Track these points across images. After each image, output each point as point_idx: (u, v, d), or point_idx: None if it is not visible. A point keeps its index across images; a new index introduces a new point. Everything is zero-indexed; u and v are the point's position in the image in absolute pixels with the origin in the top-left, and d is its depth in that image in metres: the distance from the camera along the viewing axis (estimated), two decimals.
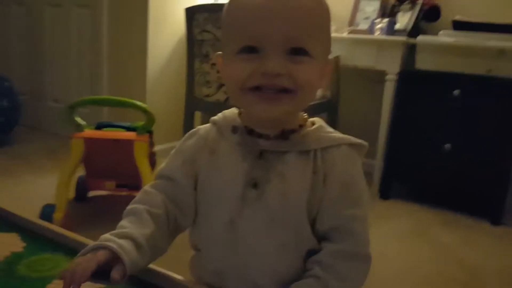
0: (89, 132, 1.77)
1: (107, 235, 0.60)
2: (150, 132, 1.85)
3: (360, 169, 0.66)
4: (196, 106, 2.36)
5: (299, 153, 0.64)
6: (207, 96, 2.25)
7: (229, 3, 0.64)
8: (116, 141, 1.75)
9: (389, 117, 2.44)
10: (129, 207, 0.67)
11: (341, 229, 0.63)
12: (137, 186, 2.03)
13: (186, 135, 0.72)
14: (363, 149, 0.67)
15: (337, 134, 0.67)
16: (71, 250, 0.74)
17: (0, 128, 2.75)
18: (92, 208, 2.01)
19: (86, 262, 0.55)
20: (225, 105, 2.19)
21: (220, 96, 2.20)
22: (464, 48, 2.20)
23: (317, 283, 0.60)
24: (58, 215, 1.64)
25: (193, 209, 0.68)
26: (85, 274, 0.53)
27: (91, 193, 2.09)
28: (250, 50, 0.59)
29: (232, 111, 0.70)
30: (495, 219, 2.16)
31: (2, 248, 0.74)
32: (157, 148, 2.07)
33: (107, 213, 1.95)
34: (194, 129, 0.72)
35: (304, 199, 0.62)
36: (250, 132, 0.66)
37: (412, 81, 2.37)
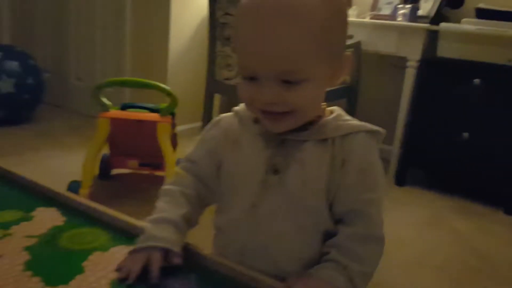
0: (115, 112, 1.82)
1: (150, 226, 0.67)
2: (172, 114, 1.90)
3: (377, 156, 0.69)
4: (216, 88, 2.39)
5: (318, 141, 0.68)
6: (228, 79, 2.28)
7: (235, 26, 0.67)
8: (140, 122, 1.81)
9: (409, 104, 2.45)
10: (164, 188, 0.74)
11: (357, 213, 0.67)
12: (158, 165, 2.09)
13: (209, 124, 0.77)
14: (380, 136, 0.70)
15: (355, 122, 0.70)
16: (108, 224, 0.79)
17: (25, 105, 2.83)
18: (115, 185, 2.08)
19: (154, 265, 0.62)
20: None
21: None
22: (486, 36, 2.20)
23: (336, 266, 0.64)
24: (83, 191, 1.71)
25: (217, 191, 0.74)
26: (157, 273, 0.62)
27: (114, 171, 2.16)
28: (251, 78, 0.64)
29: None
30: (509, 208, 2.18)
31: (44, 222, 0.79)
32: (177, 129, 2.12)
33: (129, 191, 2.02)
34: (216, 118, 0.77)
35: (323, 184, 0.66)
36: None
37: (433, 68, 2.37)
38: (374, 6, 2.72)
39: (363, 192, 0.67)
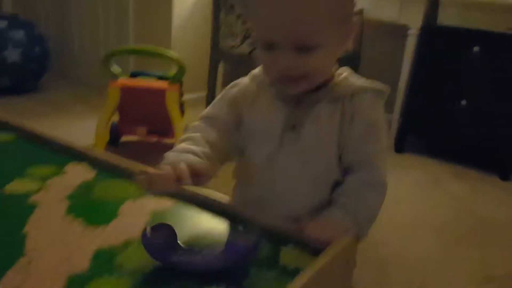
0: (125, 81, 1.88)
1: (172, 154, 0.70)
2: (180, 82, 1.95)
3: (382, 112, 0.77)
4: (220, 57, 2.44)
5: (331, 100, 0.75)
6: (232, 47, 2.32)
7: None
8: (150, 89, 1.86)
9: (409, 72, 2.50)
10: (185, 136, 0.77)
11: (363, 161, 0.75)
12: (166, 133, 2.16)
13: (229, 85, 0.83)
14: (385, 94, 0.77)
15: (363, 81, 0.77)
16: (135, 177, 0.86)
17: (32, 74, 2.87)
18: (125, 152, 2.15)
19: (182, 172, 0.63)
20: (248, 58, 2.27)
21: (245, 49, 2.27)
22: (486, 4, 2.24)
23: (343, 208, 0.72)
24: None
25: (237, 143, 0.79)
26: (187, 175, 0.63)
27: (123, 139, 2.22)
28: (268, 47, 0.70)
29: None
30: (505, 174, 2.27)
31: (77, 175, 0.86)
32: (183, 98, 2.17)
33: (138, 158, 2.08)
34: (235, 81, 0.83)
35: (334, 138, 0.74)
36: None
37: (434, 36, 2.41)
38: None
39: (368, 143, 0.75)
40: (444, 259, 1.51)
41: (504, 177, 2.26)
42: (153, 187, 0.63)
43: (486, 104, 2.27)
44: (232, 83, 0.84)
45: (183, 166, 0.64)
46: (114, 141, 2.17)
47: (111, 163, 0.90)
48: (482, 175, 2.29)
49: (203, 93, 2.71)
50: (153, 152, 2.23)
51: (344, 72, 0.78)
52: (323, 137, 0.74)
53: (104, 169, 0.89)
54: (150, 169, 0.66)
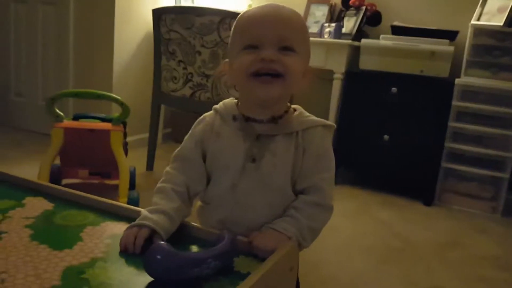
0: (69, 122, 1.91)
1: (146, 212, 0.81)
2: (124, 123, 2.02)
3: (330, 144, 0.90)
4: (162, 100, 2.53)
5: (286, 134, 0.87)
6: (174, 91, 2.43)
7: (237, 19, 0.88)
8: (94, 130, 1.90)
9: (337, 111, 2.72)
10: (158, 185, 0.88)
11: (314, 187, 0.87)
12: (108, 174, 2.18)
13: (195, 123, 0.94)
14: (332, 128, 0.91)
15: (314, 118, 0.90)
16: (92, 207, 0.93)
17: None
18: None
19: (138, 238, 0.76)
20: (191, 100, 2.38)
21: (186, 91, 2.39)
22: (401, 50, 2.52)
23: (290, 220, 0.83)
24: None
25: (205, 178, 0.90)
26: (139, 245, 0.76)
27: (64, 181, 2.22)
28: (252, 47, 0.83)
29: (231, 101, 0.93)
30: (427, 200, 2.50)
31: (36, 208, 0.91)
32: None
33: None
34: (201, 117, 0.94)
35: (289, 168, 0.86)
36: (247, 119, 0.88)
37: (356, 79, 2.67)
38: None
39: (319, 172, 0.87)
40: (375, 277, 1.66)
41: (427, 203, 2.49)
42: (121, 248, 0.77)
43: (406, 138, 2.52)
44: (197, 120, 0.94)
45: (142, 234, 0.77)
46: (55, 184, 2.16)
47: (67, 197, 0.96)
48: (408, 201, 2.51)
49: (145, 135, 2.77)
50: (96, 193, 2.25)
51: (297, 110, 0.91)
52: (280, 167, 0.85)
53: (61, 202, 0.95)
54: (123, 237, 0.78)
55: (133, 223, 0.80)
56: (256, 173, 0.86)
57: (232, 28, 0.89)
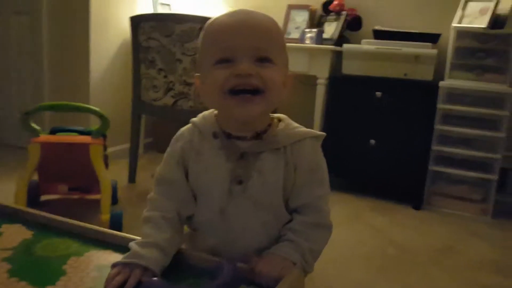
0: (46, 137, 1.82)
1: (136, 247, 0.72)
2: (104, 136, 1.93)
3: (322, 156, 0.83)
4: (143, 109, 2.45)
5: (273, 150, 0.78)
6: (155, 100, 2.35)
7: (205, 28, 0.79)
8: (73, 144, 1.82)
9: (322, 116, 2.69)
10: (146, 214, 0.79)
11: (309, 205, 0.80)
12: (88, 189, 2.09)
13: (173, 139, 0.85)
14: (322, 138, 0.83)
15: (302, 129, 0.82)
16: (74, 234, 0.86)
17: None
18: (45, 211, 2.04)
19: (130, 280, 0.68)
20: (172, 109, 2.31)
21: (168, 100, 2.31)
22: (383, 54, 2.50)
23: (291, 244, 0.77)
24: None
25: (193, 198, 0.82)
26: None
27: (43, 198, 2.12)
28: (225, 61, 0.74)
29: (210, 115, 0.84)
30: (416, 204, 2.47)
31: (14, 236, 0.84)
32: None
33: (61, 216, 2.00)
34: (178, 133, 0.85)
35: (280, 186, 0.78)
36: (229, 136, 0.79)
37: (340, 84, 2.64)
38: (284, 31, 2.95)
39: (313, 188, 0.80)
40: (373, 287, 1.61)
41: (416, 207, 2.47)
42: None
43: (392, 142, 2.50)
44: (177, 135, 0.85)
45: (135, 276, 0.68)
46: (33, 201, 2.06)
47: (46, 222, 0.88)
48: (398, 206, 2.48)
49: (126, 145, 2.68)
50: (76, 209, 2.16)
51: (284, 121, 0.83)
52: (270, 186, 0.77)
53: (40, 229, 0.87)
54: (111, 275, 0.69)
55: (122, 260, 0.71)
56: (244, 196, 0.78)
57: (200, 38, 0.80)
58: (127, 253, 0.73)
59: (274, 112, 0.84)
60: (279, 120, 0.84)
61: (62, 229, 0.88)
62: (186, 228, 0.87)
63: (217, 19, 0.78)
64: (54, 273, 0.72)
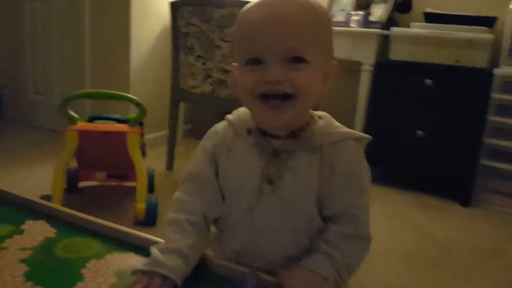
0: (83, 125, 1.82)
1: (157, 253, 0.68)
2: (141, 124, 1.92)
3: (364, 161, 0.75)
4: (181, 97, 2.42)
5: (308, 149, 0.72)
6: (193, 87, 2.32)
7: (238, 20, 0.72)
8: (109, 133, 1.81)
9: (365, 105, 2.57)
10: (170, 216, 0.75)
11: (346, 215, 0.72)
12: (126, 176, 2.10)
13: (206, 135, 0.80)
14: (365, 141, 0.75)
15: (343, 129, 0.74)
16: (98, 233, 0.83)
17: None
18: (84, 198, 2.07)
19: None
20: (211, 96, 2.27)
21: (206, 88, 2.27)
22: (434, 39, 2.34)
23: (324, 257, 0.70)
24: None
25: (221, 199, 0.76)
26: None
27: (81, 184, 2.15)
28: (255, 61, 0.67)
29: (245, 112, 0.78)
30: (464, 201, 2.33)
31: (36, 234, 0.81)
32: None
33: (99, 203, 2.02)
34: (212, 129, 0.80)
35: (314, 190, 0.71)
36: (263, 133, 0.74)
37: (387, 71, 2.50)
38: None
39: (351, 196, 0.72)
40: None
41: (464, 203, 2.32)
42: None
43: (441, 133, 2.35)
44: (208, 133, 0.81)
45: (155, 286, 0.65)
46: (72, 188, 2.09)
47: (71, 220, 0.86)
48: (443, 202, 2.34)
49: (165, 132, 2.67)
50: (114, 196, 2.18)
51: (322, 119, 0.76)
52: (302, 189, 0.71)
53: (64, 226, 0.85)
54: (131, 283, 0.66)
55: (141, 267, 0.67)
56: (274, 196, 0.72)
57: (234, 30, 0.73)
58: (148, 259, 0.68)
59: (315, 108, 0.77)
60: (320, 117, 0.77)
61: (85, 227, 0.85)
62: (213, 229, 0.82)
63: (249, 10, 0.70)
64: (71, 277, 0.69)
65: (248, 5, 0.71)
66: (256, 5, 0.69)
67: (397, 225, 2.05)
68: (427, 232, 1.98)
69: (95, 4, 2.80)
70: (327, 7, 2.83)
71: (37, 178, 2.13)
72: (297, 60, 0.66)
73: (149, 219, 1.78)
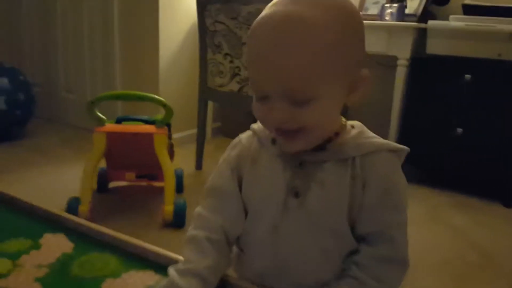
0: (111, 126, 1.82)
1: (175, 275, 0.64)
2: (168, 125, 1.90)
3: (401, 174, 0.68)
4: (209, 96, 2.38)
5: (338, 160, 0.66)
6: (221, 86, 2.28)
7: (248, 34, 0.65)
8: (137, 134, 1.80)
9: (401, 102, 2.46)
10: (190, 234, 0.70)
11: (380, 234, 0.65)
12: (155, 176, 2.09)
13: (230, 146, 0.76)
14: (403, 154, 0.68)
15: (377, 140, 0.68)
16: (116, 248, 0.79)
17: (17, 121, 2.80)
18: (113, 198, 2.07)
19: None
20: (238, 95, 2.22)
21: (233, 86, 2.22)
22: (474, 32, 2.22)
23: (356, 283, 0.63)
24: (83, 208, 1.70)
25: (244, 215, 0.71)
26: None
27: (111, 184, 2.15)
28: (262, 98, 0.62)
29: None
30: (508, 202, 2.20)
31: (53, 249, 0.79)
32: (172, 137, 2.11)
33: (128, 203, 2.01)
34: (236, 139, 0.76)
35: (344, 205, 0.64)
36: None
37: (424, 66, 2.39)
38: (361, 6, 2.73)
39: (386, 213, 0.66)
40: None
41: (507, 205, 2.20)
42: None
43: (482, 131, 2.23)
44: (232, 143, 0.76)
45: None
46: (103, 188, 2.10)
47: (90, 234, 0.83)
48: (484, 203, 2.22)
49: (194, 130, 2.65)
50: (143, 196, 2.18)
51: (356, 128, 0.69)
52: (331, 203, 0.65)
53: (83, 240, 0.82)
54: None
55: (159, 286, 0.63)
56: (300, 211, 0.66)
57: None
58: (165, 281, 0.64)
59: (346, 114, 0.70)
60: (352, 127, 0.70)
61: (103, 241, 0.81)
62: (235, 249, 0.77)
63: (254, 31, 0.62)
64: None
65: (259, 17, 0.62)
66: (261, 24, 0.61)
67: (434, 228, 1.95)
68: (467, 236, 1.88)
69: (123, 2, 2.79)
70: (360, 0, 2.73)
71: (69, 178, 2.14)
72: (301, 102, 0.60)
73: (178, 221, 1.76)
